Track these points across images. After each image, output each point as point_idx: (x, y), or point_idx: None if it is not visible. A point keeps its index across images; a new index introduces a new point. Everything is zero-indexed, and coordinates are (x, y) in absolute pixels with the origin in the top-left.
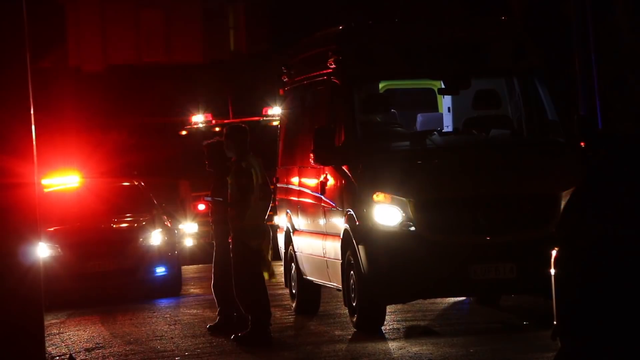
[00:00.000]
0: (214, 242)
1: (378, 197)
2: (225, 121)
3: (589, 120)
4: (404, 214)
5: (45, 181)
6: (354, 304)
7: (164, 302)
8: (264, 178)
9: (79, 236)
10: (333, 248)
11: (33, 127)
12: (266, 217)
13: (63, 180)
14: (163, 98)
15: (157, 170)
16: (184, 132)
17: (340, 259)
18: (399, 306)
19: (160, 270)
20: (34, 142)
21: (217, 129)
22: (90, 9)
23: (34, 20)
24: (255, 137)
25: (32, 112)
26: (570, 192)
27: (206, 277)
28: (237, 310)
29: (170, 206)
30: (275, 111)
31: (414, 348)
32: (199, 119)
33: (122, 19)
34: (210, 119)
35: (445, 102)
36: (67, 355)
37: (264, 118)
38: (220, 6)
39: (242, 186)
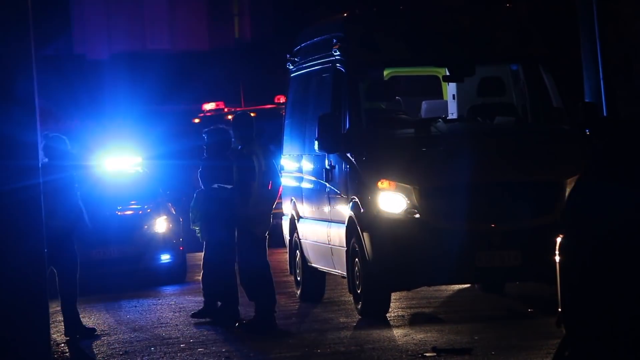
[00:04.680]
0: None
1: (383, 184)
2: (238, 109)
3: (594, 107)
4: (408, 201)
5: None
6: (358, 291)
7: (168, 290)
8: (270, 166)
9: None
10: (338, 235)
11: (37, 115)
12: (273, 204)
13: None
14: (169, 85)
15: (165, 158)
16: (196, 120)
17: (344, 246)
18: (404, 293)
19: (165, 258)
20: (38, 130)
21: (229, 117)
22: None
23: (39, 8)
24: (268, 125)
25: (36, 99)
26: (575, 179)
27: None
28: (220, 299)
29: (177, 193)
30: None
31: (418, 335)
32: (210, 106)
33: (126, 6)
34: (223, 106)
35: (450, 90)
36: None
37: (276, 106)
38: None
39: (243, 173)
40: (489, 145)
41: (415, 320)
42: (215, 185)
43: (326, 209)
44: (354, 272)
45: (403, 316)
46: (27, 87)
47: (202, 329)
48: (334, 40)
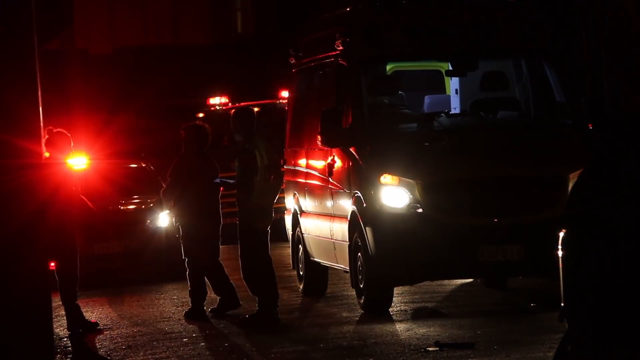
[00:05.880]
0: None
1: (385, 179)
2: (242, 103)
3: (597, 102)
4: (411, 196)
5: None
6: (361, 286)
7: (171, 284)
8: (272, 160)
9: (86, 218)
10: (340, 230)
11: (40, 109)
12: (275, 199)
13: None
14: (172, 80)
15: (168, 153)
16: (201, 115)
17: (347, 240)
18: (406, 288)
19: (167, 252)
20: (42, 124)
21: (233, 111)
22: None
23: (41, 2)
24: (272, 120)
25: (39, 94)
26: (577, 173)
27: None
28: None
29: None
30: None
31: (421, 330)
32: (215, 101)
33: (129, 0)
34: (227, 101)
35: (452, 84)
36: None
37: (280, 100)
38: None
39: (245, 167)
40: (491, 139)
41: (417, 314)
42: (217, 180)
43: (329, 203)
44: (356, 267)
45: (406, 311)
46: (30, 81)
47: (205, 323)
48: (337, 35)
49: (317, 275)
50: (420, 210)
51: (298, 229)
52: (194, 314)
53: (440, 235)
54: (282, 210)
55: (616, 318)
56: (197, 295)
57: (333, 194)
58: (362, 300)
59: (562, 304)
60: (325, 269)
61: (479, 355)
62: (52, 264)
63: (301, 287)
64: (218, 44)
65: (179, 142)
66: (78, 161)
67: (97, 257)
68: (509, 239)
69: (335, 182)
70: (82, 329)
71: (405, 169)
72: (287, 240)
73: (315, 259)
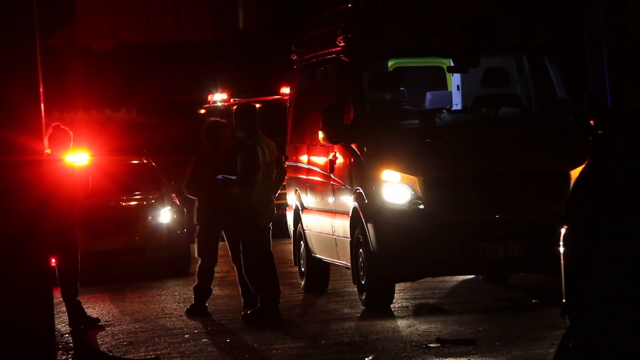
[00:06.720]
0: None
1: (387, 175)
2: (243, 100)
3: (599, 98)
4: (412, 192)
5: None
6: (362, 282)
7: (172, 280)
8: (274, 156)
9: (88, 214)
10: (342, 226)
11: (42, 105)
12: (276, 195)
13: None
14: (174, 76)
15: (169, 149)
16: (202, 111)
17: (349, 237)
18: (408, 284)
19: (169, 249)
20: (43, 120)
21: (235, 107)
22: None
23: None
24: (273, 116)
25: (41, 90)
26: (579, 170)
27: None
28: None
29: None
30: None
31: (422, 326)
32: (217, 97)
33: None
34: (228, 97)
35: (454, 80)
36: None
37: (281, 97)
38: None
39: (247, 164)
40: (493, 136)
41: (419, 311)
42: (220, 177)
43: (330, 199)
44: (358, 263)
45: (407, 307)
46: (32, 77)
47: (206, 319)
48: (339, 31)
49: (318, 271)
50: (421, 206)
51: (300, 225)
52: (196, 310)
53: (441, 231)
54: (284, 206)
55: (618, 314)
56: (202, 291)
57: (334, 190)
58: (364, 297)
59: (564, 300)
60: (327, 265)
61: (480, 352)
62: (53, 260)
63: (303, 283)
64: (219, 40)
65: (194, 140)
66: (79, 157)
67: (98, 253)
68: (510, 235)
69: (336, 179)
70: (83, 325)
71: (407, 165)
72: (288, 236)
73: (316, 255)
